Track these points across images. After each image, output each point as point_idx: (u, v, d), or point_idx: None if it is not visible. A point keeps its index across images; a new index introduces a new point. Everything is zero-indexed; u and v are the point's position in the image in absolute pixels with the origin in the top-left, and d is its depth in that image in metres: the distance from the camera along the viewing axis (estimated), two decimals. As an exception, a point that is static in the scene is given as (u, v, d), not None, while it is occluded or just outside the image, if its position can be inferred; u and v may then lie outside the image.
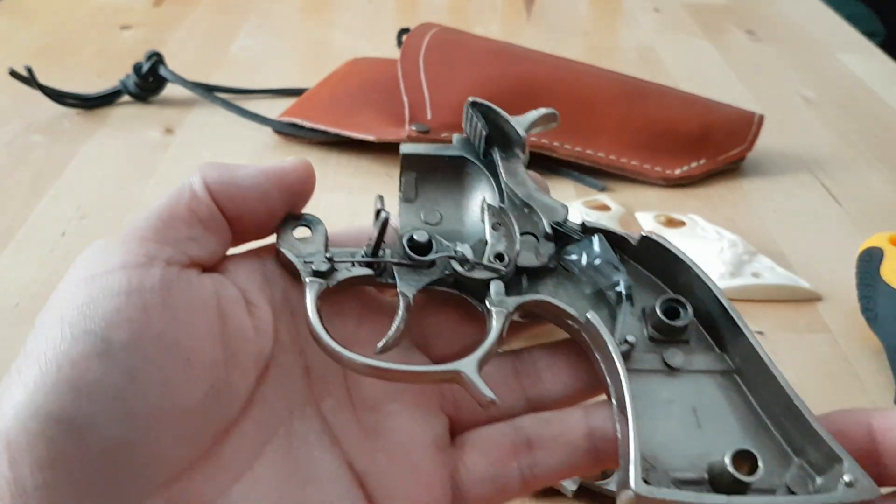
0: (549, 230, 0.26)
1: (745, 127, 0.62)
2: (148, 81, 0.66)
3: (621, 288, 0.25)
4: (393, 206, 0.27)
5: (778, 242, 0.54)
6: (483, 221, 0.27)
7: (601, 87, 0.63)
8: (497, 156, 0.28)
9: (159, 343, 0.21)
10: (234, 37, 0.83)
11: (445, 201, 0.28)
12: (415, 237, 0.26)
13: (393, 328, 0.25)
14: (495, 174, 0.28)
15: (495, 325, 0.25)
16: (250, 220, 0.25)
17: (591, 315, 0.25)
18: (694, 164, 0.60)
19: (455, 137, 0.29)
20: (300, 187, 0.26)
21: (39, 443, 0.20)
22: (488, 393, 0.24)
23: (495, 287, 0.25)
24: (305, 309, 0.25)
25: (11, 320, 0.44)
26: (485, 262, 0.26)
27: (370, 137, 0.59)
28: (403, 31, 0.74)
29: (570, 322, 0.26)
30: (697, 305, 0.25)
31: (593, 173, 0.59)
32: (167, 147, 0.62)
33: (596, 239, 0.26)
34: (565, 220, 0.27)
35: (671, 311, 0.25)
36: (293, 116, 0.62)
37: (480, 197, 0.28)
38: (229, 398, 0.23)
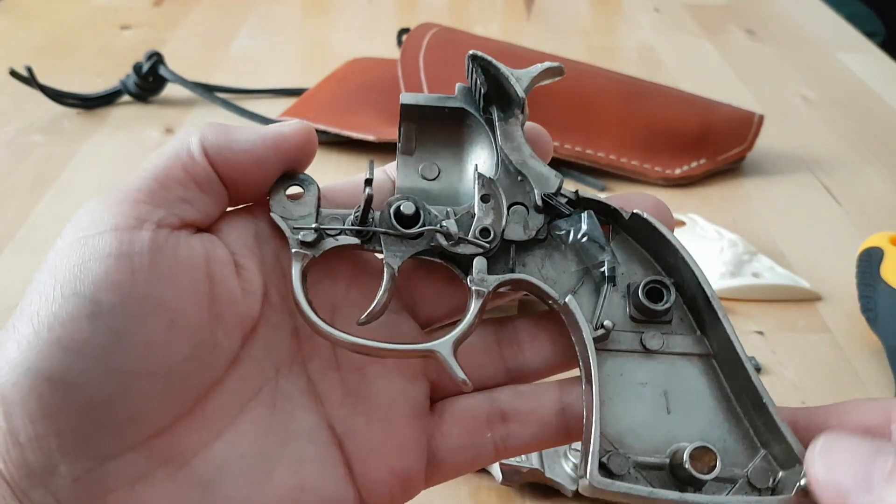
0: (539, 202, 0.26)
1: (745, 127, 0.62)
2: (148, 81, 0.66)
3: (605, 269, 0.25)
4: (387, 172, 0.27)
5: (778, 242, 0.54)
6: (474, 190, 0.26)
7: (601, 87, 0.63)
8: (495, 115, 0.27)
9: (144, 304, 0.22)
10: (234, 37, 0.83)
11: (444, 154, 0.28)
12: (402, 209, 0.26)
13: (376, 300, 0.25)
14: (493, 129, 0.27)
15: (473, 305, 0.25)
16: (247, 183, 0.25)
17: (568, 300, 0.25)
18: (694, 164, 0.60)
19: (458, 86, 0.28)
20: (299, 152, 0.26)
21: (31, 399, 0.21)
22: (461, 375, 0.24)
23: (478, 264, 0.25)
24: (290, 284, 0.25)
25: (11, 320, 0.44)
26: (470, 237, 0.25)
27: (370, 137, 0.59)
28: (403, 31, 0.74)
29: (549, 302, 0.26)
30: (682, 286, 0.25)
31: (593, 173, 0.59)
32: (167, 147, 0.62)
33: (585, 216, 0.26)
34: (558, 190, 0.26)
35: (654, 291, 0.25)
36: (293, 116, 0.62)
37: (480, 152, 0.28)
38: (213, 357, 0.24)
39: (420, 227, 0.26)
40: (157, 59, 0.66)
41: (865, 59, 0.82)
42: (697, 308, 0.25)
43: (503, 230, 0.26)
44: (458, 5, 0.94)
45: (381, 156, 0.61)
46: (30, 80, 0.63)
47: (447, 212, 0.26)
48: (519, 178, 0.26)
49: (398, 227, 0.26)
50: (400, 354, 0.25)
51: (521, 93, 0.27)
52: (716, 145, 0.61)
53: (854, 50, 0.85)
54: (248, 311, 0.24)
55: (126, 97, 0.67)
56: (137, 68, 0.66)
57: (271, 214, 0.26)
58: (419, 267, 0.27)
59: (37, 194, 0.55)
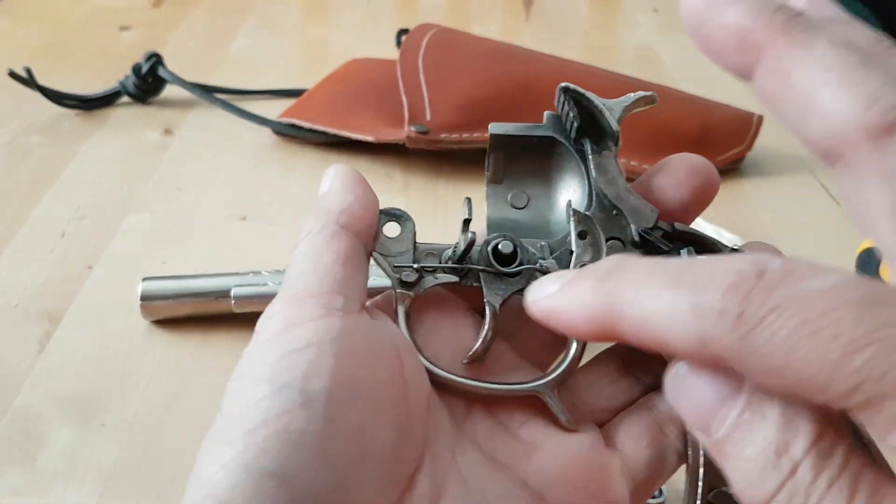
0: (636, 237, 0.25)
1: (744, 127, 0.62)
2: (147, 82, 0.66)
3: None
4: (481, 212, 0.27)
5: (777, 242, 0.53)
6: (569, 224, 0.26)
7: (600, 87, 0.63)
8: (588, 148, 0.27)
9: (351, 388, 0.22)
10: (233, 37, 0.83)
11: (533, 182, 0.28)
12: (500, 247, 0.26)
13: (480, 338, 0.26)
14: (584, 159, 0.27)
15: (574, 347, 0.25)
16: (368, 238, 0.26)
17: None
18: (693, 165, 0.60)
19: (546, 114, 0.28)
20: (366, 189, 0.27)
21: (254, 499, 0.20)
22: (564, 416, 0.25)
23: None
24: (398, 323, 0.25)
25: (11, 321, 0.44)
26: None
27: (369, 138, 0.59)
28: (402, 31, 0.74)
29: None
30: None
31: (593, 173, 0.59)
32: (166, 148, 0.62)
33: (683, 253, 0.25)
34: (655, 224, 0.26)
35: None
36: (292, 117, 0.62)
37: (570, 181, 0.27)
38: (413, 441, 0.23)
39: (518, 265, 0.26)
40: (156, 59, 0.66)
41: (864, 59, 0.82)
42: None
43: None
44: (457, 6, 0.94)
45: (380, 156, 0.61)
46: (29, 80, 0.63)
47: (542, 246, 0.26)
48: (614, 212, 0.26)
49: (496, 265, 0.26)
50: (505, 393, 0.25)
51: (614, 125, 0.26)
52: (715, 145, 0.61)
53: (853, 50, 0.85)
54: (428, 390, 0.25)
55: (125, 98, 0.67)
56: (136, 69, 0.66)
57: (373, 255, 0.26)
58: (519, 306, 0.27)
59: (36, 195, 0.55)
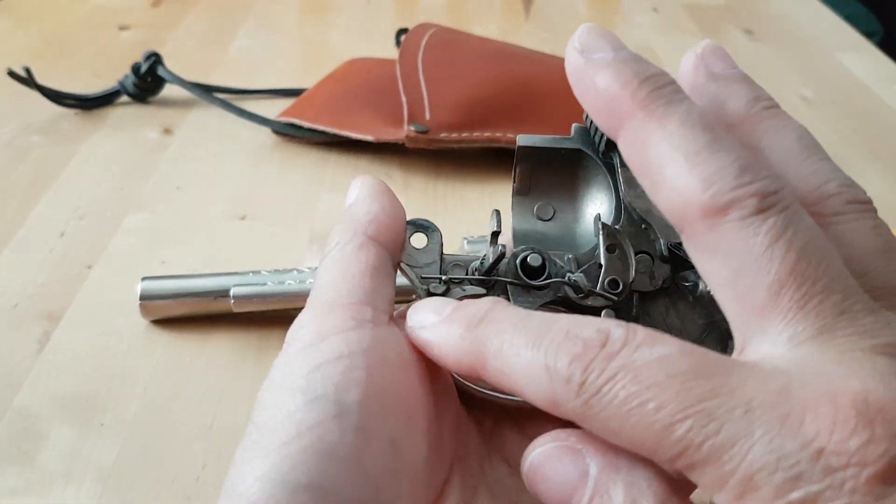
0: (665, 252, 0.25)
1: (743, 127, 0.62)
2: (146, 82, 0.66)
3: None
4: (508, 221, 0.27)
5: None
6: (597, 238, 0.26)
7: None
8: (617, 161, 0.27)
9: (384, 400, 0.22)
10: (233, 37, 0.82)
11: (560, 195, 0.28)
12: (528, 260, 0.26)
13: None
14: (613, 172, 0.27)
15: None
16: (395, 249, 0.26)
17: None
18: (693, 164, 0.60)
19: (574, 127, 0.28)
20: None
21: None
22: None
23: (607, 314, 0.25)
24: None
25: (10, 321, 0.44)
26: (598, 290, 0.25)
27: (369, 138, 0.59)
28: (402, 31, 0.74)
29: None
30: None
31: (592, 173, 0.59)
32: (166, 147, 0.62)
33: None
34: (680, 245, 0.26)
35: None
36: (292, 117, 0.62)
37: (597, 195, 0.27)
38: (443, 456, 0.23)
39: (546, 278, 0.26)
40: (155, 59, 0.66)
41: (864, 59, 0.82)
42: None
43: (632, 281, 0.25)
44: (457, 5, 0.94)
45: (380, 155, 0.61)
46: (28, 80, 0.63)
47: (569, 259, 0.26)
48: (643, 226, 0.26)
49: (524, 277, 0.26)
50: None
51: None
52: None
53: (852, 50, 0.85)
54: (455, 406, 0.25)
55: (124, 97, 0.67)
56: (136, 69, 0.66)
57: (401, 266, 0.26)
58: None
59: (35, 195, 0.55)
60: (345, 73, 0.69)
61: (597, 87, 0.21)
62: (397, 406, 0.22)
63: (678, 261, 0.26)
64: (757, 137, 0.22)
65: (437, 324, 0.22)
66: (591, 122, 0.27)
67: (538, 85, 0.62)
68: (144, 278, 0.44)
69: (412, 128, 0.57)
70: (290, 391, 0.21)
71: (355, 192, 0.26)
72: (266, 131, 0.64)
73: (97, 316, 0.45)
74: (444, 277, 0.26)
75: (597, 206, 0.27)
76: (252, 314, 0.44)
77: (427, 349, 0.22)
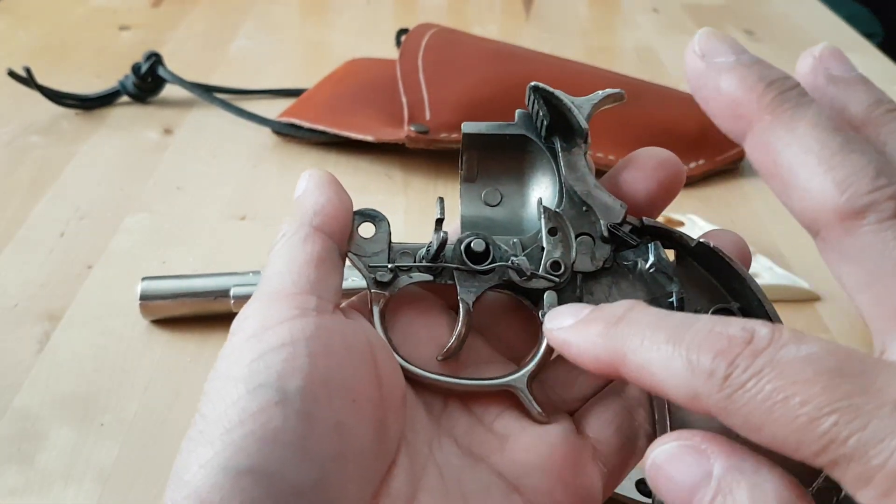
0: (605, 233, 0.26)
1: (743, 127, 0.62)
2: (146, 82, 0.66)
3: (673, 299, 0.25)
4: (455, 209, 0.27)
5: (777, 243, 0.54)
6: (539, 221, 0.27)
7: (600, 87, 0.63)
8: (558, 145, 0.27)
9: (327, 386, 0.22)
10: (233, 37, 0.83)
11: (507, 180, 0.28)
12: (472, 246, 0.26)
13: (454, 335, 0.26)
14: (555, 157, 0.27)
15: (545, 342, 0.26)
16: (342, 239, 0.26)
17: None
18: (693, 165, 0.60)
19: (518, 113, 0.28)
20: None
21: (233, 497, 0.20)
22: (536, 409, 0.26)
23: (548, 298, 0.26)
24: (372, 321, 0.26)
25: (11, 320, 0.44)
26: (541, 272, 0.26)
27: (369, 138, 0.59)
28: (402, 31, 0.74)
29: None
30: (748, 312, 0.25)
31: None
32: (166, 147, 0.62)
33: (652, 247, 0.26)
34: (623, 219, 0.26)
35: None
36: (292, 117, 0.62)
37: (542, 179, 0.28)
38: (388, 438, 0.24)
39: (490, 263, 0.26)
40: (155, 59, 0.66)
41: (864, 60, 0.82)
42: None
43: (573, 262, 0.26)
44: (457, 6, 0.94)
45: (380, 155, 0.61)
46: (28, 80, 0.63)
47: (514, 243, 0.27)
48: (584, 208, 0.27)
49: (469, 263, 0.26)
50: (479, 389, 0.26)
51: (583, 123, 0.27)
52: (714, 146, 0.61)
53: (852, 50, 0.85)
54: (401, 390, 0.25)
55: (125, 98, 0.67)
56: (136, 69, 0.66)
57: (348, 255, 0.26)
58: (492, 301, 0.28)
59: (36, 195, 0.55)
60: (345, 74, 0.69)
61: (720, 92, 0.21)
62: (341, 391, 0.22)
63: (618, 241, 0.26)
64: (881, 141, 0.21)
65: (576, 324, 0.22)
66: (534, 107, 0.27)
67: (538, 85, 0.62)
68: (144, 278, 0.44)
69: (412, 128, 0.57)
70: (234, 381, 0.22)
71: (303, 184, 0.27)
72: (266, 131, 0.64)
73: (97, 316, 0.45)
74: (391, 266, 0.26)
75: (542, 190, 0.28)
76: (252, 314, 0.44)
77: (565, 349, 0.22)
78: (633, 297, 0.26)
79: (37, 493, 0.35)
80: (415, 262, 0.27)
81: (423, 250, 0.27)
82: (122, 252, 0.50)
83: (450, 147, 0.58)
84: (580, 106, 0.27)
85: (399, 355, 0.26)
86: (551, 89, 0.27)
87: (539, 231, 0.27)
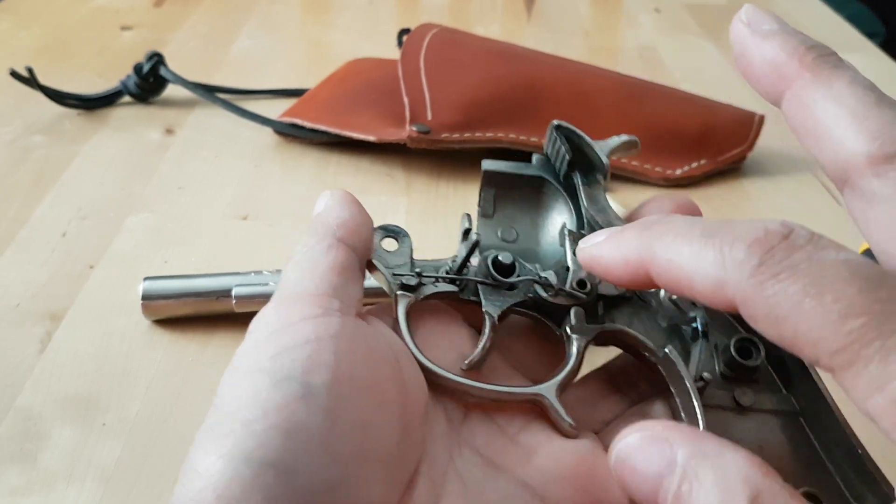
0: None
1: (745, 127, 0.62)
2: (149, 82, 0.66)
3: (698, 324, 0.25)
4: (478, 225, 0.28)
5: (779, 243, 0.53)
6: (563, 247, 0.27)
7: (602, 87, 0.63)
8: (578, 180, 0.28)
9: (352, 385, 0.21)
10: (235, 37, 0.83)
11: (522, 219, 0.29)
12: (500, 258, 0.27)
13: (479, 346, 0.26)
14: (573, 197, 0.28)
15: (575, 351, 0.26)
16: (364, 253, 0.26)
17: (669, 350, 0.25)
18: (694, 165, 0.60)
19: (535, 157, 0.29)
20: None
21: (253, 490, 0.19)
22: (567, 418, 0.25)
23: (576, 314, 0.26)
24: (398, 324, 0.25)
25: (12, 320, 0.44)
26: (567, 288, 0.26)
27: (370, 138, 0.59)
28: (404, 31, 0.74)
29: (646, 354, 0.26)
30: (767, 345, 0.25)
31: (594, 173, 0.59)
32: (168, 147, 0.62)
33: None
34: None
35: (744, 350, 0.25)
36: (294, 117, 0.62)
37: (557, 218, 0.28)
38: (412, 443, 0.23)
39: (518, 277, 0.26)
40: (157, 59, 0.66)
41: (866, 60, 0.82)
42: (783, 366, 0.25)
43: (598, 283, 0.26)
44: (459, 6, 0.94)
45: (382, 155, 0.61)
46: (30, 80, 0.63)
47: (535, 267, 0.27)
48: None
49: (496, 275, 0.26)
50: (507, 397, 0.26)
51: (604, 159, 0.28)
52: (716, 145, 0.61)
53: (854, 50, 0.85)
54: (423, 397, 0.25)
55: (127, 98, 0.67)
56: (138, 69, 0.66)
57: (372, 261, 0.26)
58: (513, 323, 0.28)
59: (37, 195, 0.55)
60: (347, 74, 0.69)
61: (764, 54, 0.22)
62: (366, 391, 0.22)
63: None
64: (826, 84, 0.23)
65: (609, 237, 0.22)
66: (556, 144, 0.28)
67: (540, 85, 0.62)
68: (146, 278, 0.44)
69: (414, 128, 0.57)
70: (256, 374, 0.21)
71: (323, 202, 0.27)
72: (268, 131, 0.64)
73: (99, 316, 0.45)
74: (418, 270, 0.26)
75: (556, 228, 0.28)
76: (254, 314, 0.44)
77: (595, 263, 0.22)
78: (655, 323, 0.26)
79: (38, 493, 0.35)
80: (438, 273, 0.26)
81: (448, 263, 0.27)
82: (123, 252, 0.50)
83: (451, 147, 0.58)
84: (601, 147, 0.28)
85: (426, 358, 0.25)
86: (573, 127, 0.28)
87: (557, 261, 0.27)
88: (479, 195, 0.28)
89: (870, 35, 0.91)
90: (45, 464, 0.36)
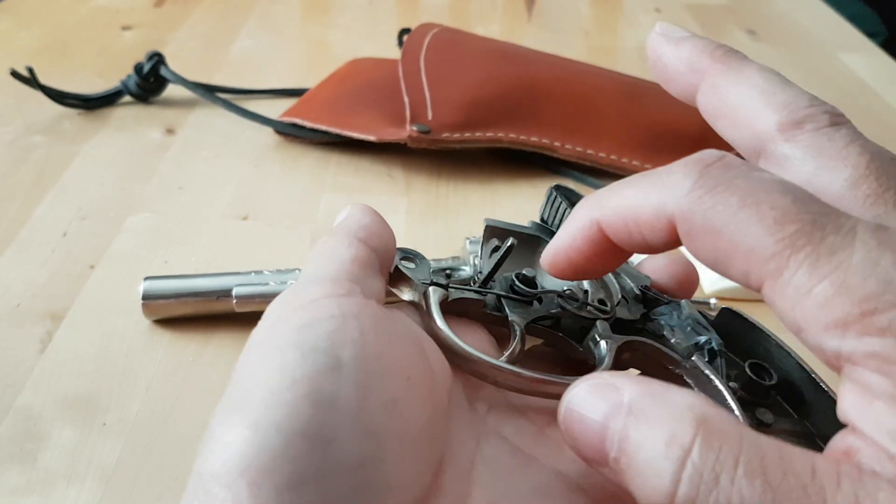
0: (637, 292, 0.27)
1: (746, 127, 0.62)
2: (149, 82, 0.66)
3: (714, 345, 0.26)
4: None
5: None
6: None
7: (602, 87, 0.63)
8: None
9: (382, 361, 0.21)
10: (235, 37, 0.83)
11: (522, 265, 0.29)
12: (524, 271, 0.27)
13: (508, 352, 0.26)
14: None
15: (605, 350, 0.26)
16: (385, 257, 0.26)
17: (695, 358, 0.25)
18: (695, 165, 0.60)
19: (530, 223, 0.30)
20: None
21: (284, 461, 0.18)
22: None
23: (602, 325, 0.26)
24: (430, 313, 0.25)
25: (12, 320, 0.44)
26: (591, 302, 0.27)
27: (371, 138, 0.59)
28: (404, 31, 0.74)
29: (670, 367, 0.26)
30: (782, 371, 0.25)
31: (594, 173, 0.59)
32: (168, 147, 0.62)
33: (684, 303, 0.27)
34: (649, 287, 0.28)
35: (758, 369, 0.25)
36: (294, 117, 0.62)
37: None
38: (443, 427, 0.23)
39: (542, 289, 0.27)
40: (158, 59, 0.66)
41: (867, 60, 0.82)
42: (795, 391, 0.25)
43: (616, 304, 0.27)
44: (459, 5, 0.94)
45: (382, 155, 0.61)
46: (31, 80, 0.63)
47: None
48: (612, 275, 0.28)
49: (522, 287, 0.27)
50: (553, 386, 0.25)
51: None
52: (716, 145, 0.60)
53: (855, 50, 0.84)
54: (448, 381, 0.24)
55: (127, 97, 0.67)
56: (138, 69, 0.66)
57: (399, 264, 0.26)
58: (533, 355, 0.28)
59: (38, 195, 0.55)
60: (347, 74, 0.69)
61: (679, 55, 0.25)
62: (395, 368, 0.21)
63: (649, 301, 0.27)
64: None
65: (563, 226, 0.24)
66: (556, 202, 0.30)
67: (541, 85, 0.62)
68: (147, 278, 0.44)
69: (414, 128, 0.57)
70: (281, 346, 0.20)
71: (346, 212, 0.27)
72: (268, 131, 0.64)
73: (99, 316, 0.45)
74: (447, 272, 0.27)
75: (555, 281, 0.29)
76: (254, 314, 0.44)
77: (555, 254, 0.24)
78: (676, 343, 0.26)
79: (39, 493, 0.35)
80: (462, 283, 0.27)
81: (469, 271, 0.27)
82: (124, 252, 0.50)
83: (452, 147, 0.58)
84: None
85: (461, 341, 0.24)
86: (571, 189, 0.30)
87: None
88: (481, 248, 0.29)
89: (871, 35, 0.91)
90: (45, 464, 0.36)
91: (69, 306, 0.45)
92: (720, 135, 0.24)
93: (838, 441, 0.19)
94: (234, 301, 0.43)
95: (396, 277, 0.27)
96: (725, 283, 0.47)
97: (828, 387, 0.24)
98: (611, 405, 0.19)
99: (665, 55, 0.25)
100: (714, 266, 0.20)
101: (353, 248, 0.24)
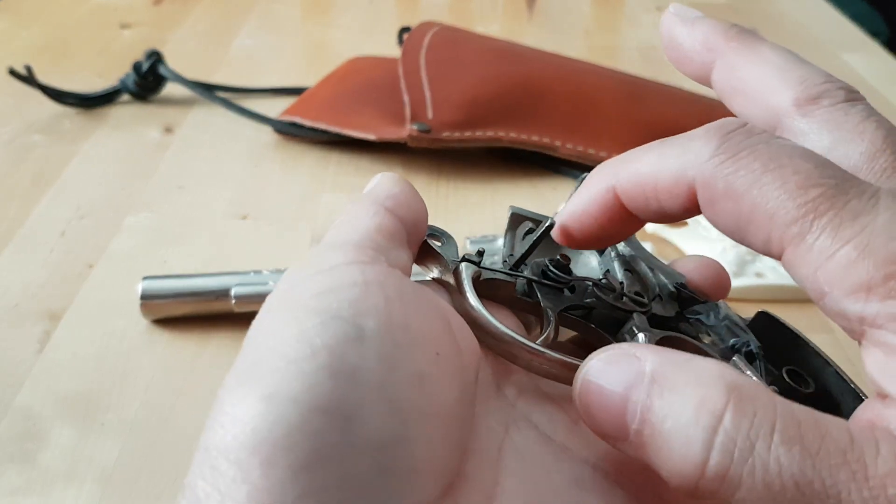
0: (672, 289, 0.26)
1: (747, 126, 0.61)
2: (148, 80, 0.66)
3: (752, 348, 0.25)
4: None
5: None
6: (613, 263, 0.27)
7: (603, 86, 0.63)
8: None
9: (407, 333, 0.19)
10: (235, 36, 0.82)
11: (549, 255, 0.28)
12: (559, 258, 0.26)
13: (545, 331, 0.24)
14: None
15: (644, 342, 0.24)
16: (414, 230, 0.24)
17: (735, 360, 0.24)
18: (696, 164, 0.60)
19: (556, 214, 0.29)
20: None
21: (301, 438, 0.16)
22: None
23: (640, 318, 0.24)
24: (463, 290, 0.23)
25: (11, 320, 0.44)
26: (627, 293, 0.25)
27: (370, 136, 0.58)
28: (404, 29, 0.74)
29: None
30: (818, 378, 0.25)
31: (595, 173, 0.59)
32: (167, 146, 0.62)
33: (722, 303, 0.26)
34: (685, 286, 0.27)
35: (795, 375, 0.25)
36: (293, 115, 0.62)
37: (584, 258, 0.28)
38: (470, 407, 0.21)
39: (576, 277, 0.25)
40: (156, 58, 0.66)
41: (869, 59, 0.82)
42: (831, 400, 0.24)
43: (652, 299, 0.26)
44: (460, 4, 0.94)
45: (382, 154, 0.60)
46: (29, 79, 0.63)
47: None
48: (649, 270, 0.27)
49: (557, 272, 0.25)
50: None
51: None
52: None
53: (857, 49, 0.84)
54: (476, 359, 0.22)
55: (126, 96, 0.67)
56: (137, 67, 0.66)
57: (428, 241, 0.25)
58: (562, 349, 0.26)
59: (37, 194, 0.55)
60: (347, 72, 0.68)
61: (694, 35, 0.24)
62: (423, 341, 0.19)
63: (685, 299, 0.26)
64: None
65: (579, 189, 0.24)
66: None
67: (541, 84, 0.61)
68: (145, 278, 0.44)
69: (414, 127, 0.57)
70: (299, 312, 0.18)
71: (374, 181, 0.25)
72: (267, 130, 0.64)
73: (98, 315, 0.45)
74: (480, 249, 0.25)
75: (588, 258, 0.28)
76: (253, 314, 0.43)
77: (571, 216, 0.24)
78: (713, 344, 0.25)
79: (38, 493, 0.35)
80: (495, 263, 0.25)
81: (504, 248, 0.26)
82: (122, 251, 0.50)
83: (452, 146, 0.58)
84: None
85: (496, 319, 0.23)
86: None
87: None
88: (505, 237, 0.28)
89: (873, 34, 0.91)
90: (45, 464, 0.36)
91: (68, 306, 0.45)
92: (735, 113, 0.23)
93: (862, 412, 0.18)
94: (233, 301, 0.43)
95: (424, 253, 0.25)
96: (734, 283, 0.47)
97: (867, 397, 0.24)
98: (632, 375, 0.18)
99: (680, 35, 0.25)
100: (734, 233, 0.19)
101: (378, 216, 0.22)
